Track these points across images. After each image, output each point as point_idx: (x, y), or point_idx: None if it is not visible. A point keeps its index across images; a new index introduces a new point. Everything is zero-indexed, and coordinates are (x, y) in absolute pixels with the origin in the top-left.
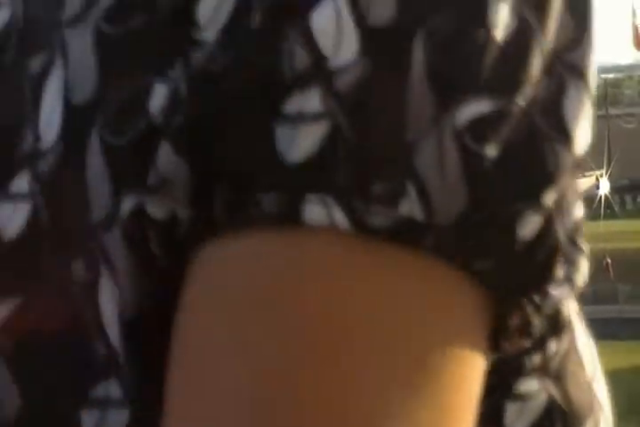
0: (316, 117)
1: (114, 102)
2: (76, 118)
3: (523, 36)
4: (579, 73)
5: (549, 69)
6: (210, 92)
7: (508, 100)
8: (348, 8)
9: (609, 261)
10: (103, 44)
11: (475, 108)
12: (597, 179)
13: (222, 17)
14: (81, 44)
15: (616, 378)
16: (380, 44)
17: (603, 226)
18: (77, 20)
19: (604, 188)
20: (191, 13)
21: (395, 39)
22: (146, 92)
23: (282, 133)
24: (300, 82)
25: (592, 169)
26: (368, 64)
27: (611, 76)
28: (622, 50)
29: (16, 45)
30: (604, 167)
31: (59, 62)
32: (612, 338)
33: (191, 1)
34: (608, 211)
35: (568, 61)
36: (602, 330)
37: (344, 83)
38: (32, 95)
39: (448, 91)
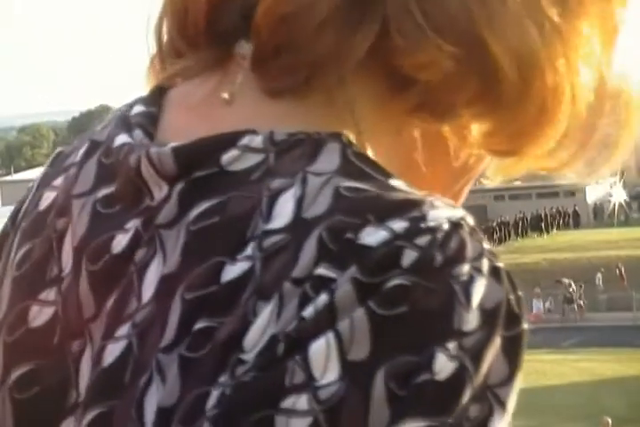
0: (303, 413)
1: (187, 405)
2: (161, 418)
3: (459, 377)
4: (502, 404)
5: (482, 398)
6: (239, 393)
7: (442, 421)
8: (335, 345)
9: (622, 268)
10: (184, 365)
11: (413, 424)
12: (611, 186)
13: (260, 346)
14: (172, 368)
15: (632, 385)
16: (354, 372)
17: (616, 233)
18: (170, 348)
19: (619, 195)
20: (240, 341)
21: (364, 370)
22: (206, 396)
23: (279, 421)
24: (296, 390)
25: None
26: (343, 385)
27: None
28: None
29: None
30: (618, 175)
31: (157, 380)
32: (626, 345)
33: (241, 333)
34: (622, 218)
35: (497, 395)
36: (616, 337)
37: (325, 394)
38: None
39: (399, 408)
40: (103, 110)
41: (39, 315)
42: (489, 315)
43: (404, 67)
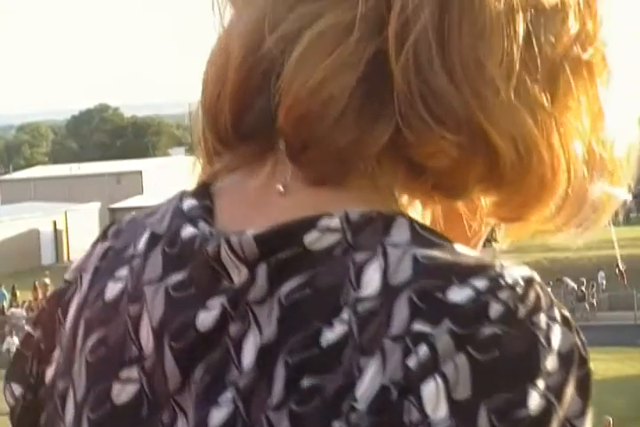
0: None
1: None
2: None
3: (548, 411)
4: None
5: (563, 423)
6: None
7: None
8: (443, 387)
9: (621, 268)
10: (294, 419)
11: None
12: None
13: (371, 395)
14: (283, 423)
15: (634, 384)
16: (460, 409)
17: (617, 232)
18: (279, 406)
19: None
20: (349, 393)
21: (469, 407)
22: None
23: None
24: (415, 425)
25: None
26: (453, 422)
27: None
28: None
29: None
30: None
31: None
32: (627, 344)
33: (349, 386)
34: (623, 218)
35: (575, 426)
36: (617, 336)
37: None
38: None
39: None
40: (102, 109)
41: (122, 392)
42: (565, 357)
43: (415, 156)
